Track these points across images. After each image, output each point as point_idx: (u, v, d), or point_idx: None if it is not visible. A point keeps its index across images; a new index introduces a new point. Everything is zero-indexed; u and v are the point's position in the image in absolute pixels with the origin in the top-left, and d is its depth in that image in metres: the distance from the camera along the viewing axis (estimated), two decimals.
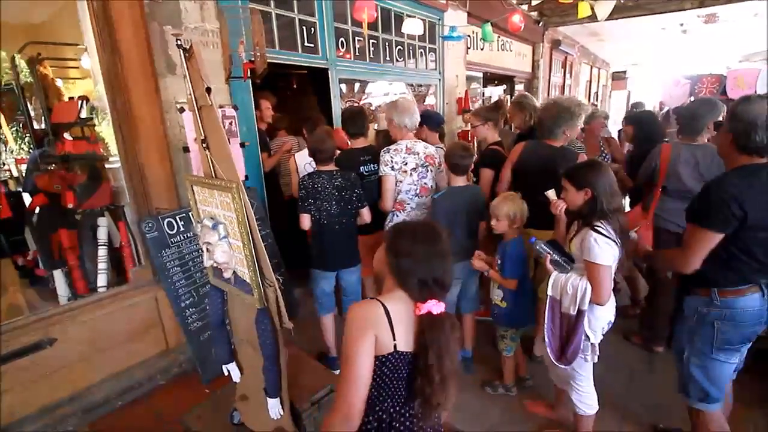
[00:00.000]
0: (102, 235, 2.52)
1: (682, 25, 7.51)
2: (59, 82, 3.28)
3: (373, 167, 2.59)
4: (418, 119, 2.49)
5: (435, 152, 2.52)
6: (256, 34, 2.24)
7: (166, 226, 2.41)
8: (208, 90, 1.44)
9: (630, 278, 3.16)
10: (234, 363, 1.97)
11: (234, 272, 1.71)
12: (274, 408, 1.73)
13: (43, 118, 3.22)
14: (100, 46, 2.19)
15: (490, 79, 7.04)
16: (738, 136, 1.39)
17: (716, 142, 1.57)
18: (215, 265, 1.71)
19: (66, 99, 3.02)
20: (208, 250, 1.64)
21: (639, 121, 3.01)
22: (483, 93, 6.84)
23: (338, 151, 2.46)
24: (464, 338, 2.54)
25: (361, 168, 2.56)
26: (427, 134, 3.05)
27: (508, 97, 7.24)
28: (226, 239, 1.64)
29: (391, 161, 2.38)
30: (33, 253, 2.69)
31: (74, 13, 2.25)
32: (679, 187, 2.37)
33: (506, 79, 7.17)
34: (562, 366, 1.75)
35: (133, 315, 2.38)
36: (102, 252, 2.50)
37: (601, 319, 1.69)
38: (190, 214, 2.42)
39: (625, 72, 14.23)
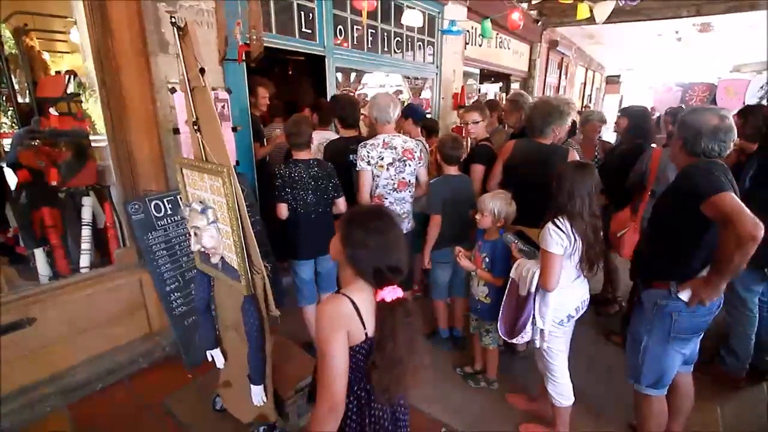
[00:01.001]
0: (86, 214, 2.47)
1: (677, 32, 7.59)
2: (46, 56, 3.17)
3: None
4: (396, 113, 2.45)
5: (415, 146, 2.47)
6: (253, 17, 2.20)
7: (153, 208, 2.36)
8: (202, 71, 1.41)
9: (610, 278, 3.22)
10: (218, 349, 1.96)
11: (222, 258, 1.69)
12: (258, 395, 1.73)
13: (28, 92, 3.12)
14: (90, 20, 2.12)
15: (486, 76, 7.05)
16: (686, 142, 1.56)
17: (671, 148, 1.70)
18: (203, 249, 1.69)
19: (53, 73, 2.93)
20: (195, 234, 1.62)
21: (633, 114, 3.02)
22: (479, 90, 6.85)
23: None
24: (456, 318, 2.73)
25: (350, 156, 2.56)
26: (410, 128, 3.04)
27: (504, 95, 7.26)
28: (215, 224, 1.62)
29: (368, 156, 2.34)
30: (14, 230, 2.62)
31: None
32: None
33: (503, 77, 7.18)
34: (512, 342, 1.90)
35: (117, 297, 2.34)
36: (86, 232, 2.45)
37: (552, 309, 1.77)
38: (178, 197, 2.38)
39: (619, 76, 14.39)
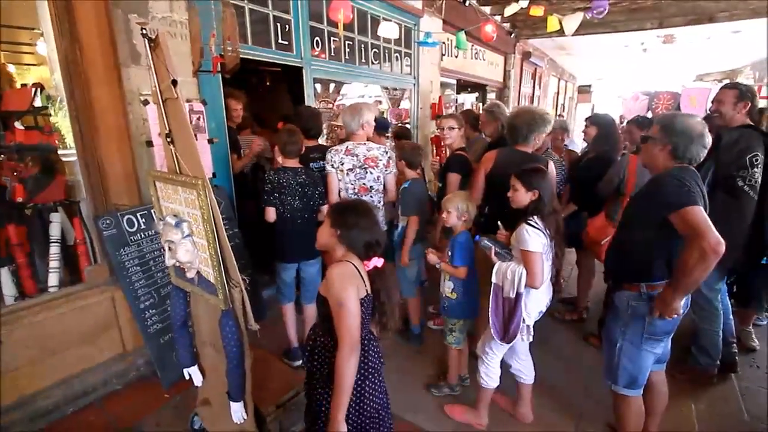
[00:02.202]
0: (54, 231, 2.37)
1: (642, 43, 7.96)
2: (11, 68, 3.07)
3: (322, 164, 2.74)
4: (359, 122, 2.53)
5: (381, 155, 2.57)
6: (228, 28, 2.19)
7: (125, 223, 2.30)
8: (174, 82, 1.39)
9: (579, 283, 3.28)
10: (196, 366, 1.90)
11: (198, 272, 1.65)
12: (238, 412, 1.68)
13: None
14: (58, 32, 2.07)
15: (463, 86, 7.20)
16: (676, 147, 1.57)
17: (644, 151, 1.71)
18: (178, 264, 1.64)
19: (18, 86, 2.83)
20: (170, 248, 1.58)
21: (602, 123, 3.11)
22: (456, 99, 6.98)
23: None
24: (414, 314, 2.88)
25: (311, 164, 2.74)
26: (374, 137, 3.07)
27: (480, 105, 7.42)
28: (190, 237, 1.58)
29: (332, 160, 2.52)
30: None
31: None
32: None
33: (479, 87, 7.35)
34: (506, 344, 1.95)
35: (88, 316, 2.25)
36: (54, 249, 2.35)
37: (536, 302, 1.90)
38: (152, 211, 2.32)
39: (590, 86, 14.94)
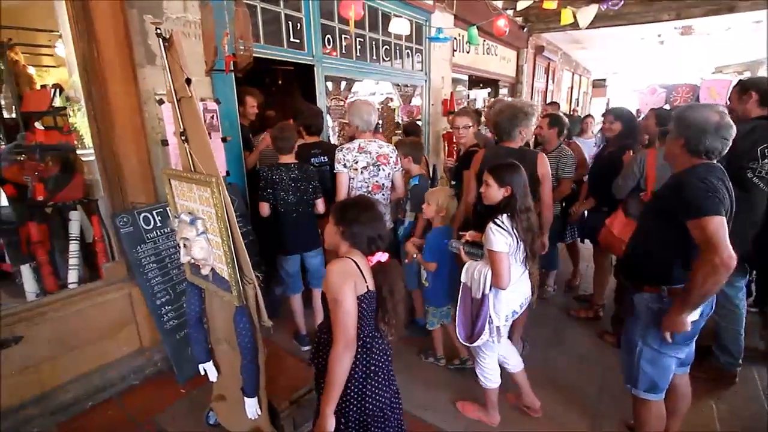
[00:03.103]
0: (74, 229, 2.43)
1: (659, 35, 7.77)
2: (31, 70, 3.14)
3: (323, 159, 2.87)
4: (372, 121, 2.57)
5: (391, 152, 2.58)
6: (241, 27, 2.20)
7: (142, 221, 2.34)
8: (188, 81, 1.41)
9: (596, 282, 3.21)
10: (211, 362, 1.93)
11: (212, 269, 1.67)
12: (252, 408, 1.70)
13: (13, 107, 3.08)
14: (76, 33, 2.11)
15: (475, 82, 7.12)
16: (689, 141, 1.48)
17: (665, 147, 1.63)
18: (192, 261, 1.67)
19: (38, 87, 2.90)
20: (185, 246, 1.60)
21: (623, 116, 3.04)
22: (468, 95, 6.92)
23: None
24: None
25: (312, 159, 2.81)
26: (377, 135, 3.06)
27: (492, 100, 7.34)
28: (204, 235, 1.60)
29: (344, 159, 2.48)
30: (0, 246, 2.57)
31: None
32: None
33: (491, 83, 7.27)
34: (470, 345, 1.93)
35: (106, 312, 2.30)
36: (74, 247, 2.41)
37: (504, 303, 1.85)
38: (167, 209, 2.36)
39: (604, 80, 14.66)
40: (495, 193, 1.82)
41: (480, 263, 1.86)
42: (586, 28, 4.14)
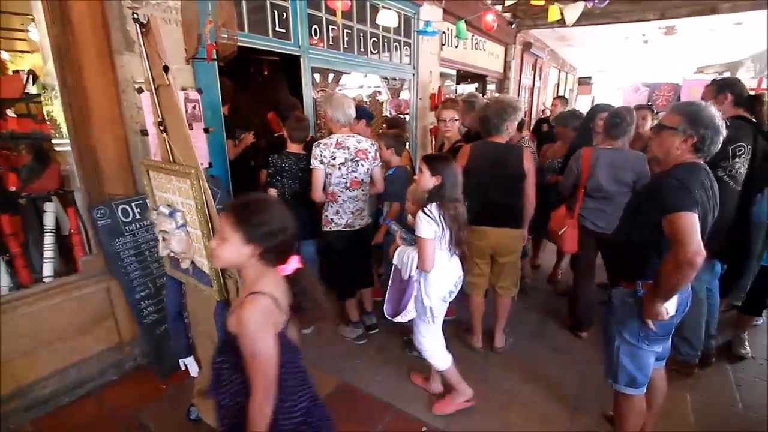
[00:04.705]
0: (49, 221, 2.35)
1: (644, 35, 7.88)
2: (4, 55, 3.02)
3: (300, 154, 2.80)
4: (353, 114, 2.52)
5: (369, 147, 2.54)
6: (224, 15, 2.14)
7: (120, 213, 2.28)
8: (166, 69, 1.37)
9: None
10: (192, 357, 1.91)
11: (192, 262, 1.64)
12: None
13: None
14: (50, 16, 2.03)
15: (463, 77, 7.13)
16: (703, 140, 1.46)
17: (657, 142, 1.60)
18: (172, 254, 1.63)
19: (10, 73, 2.78)
20: (164, 238, 1.57)
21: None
22: (456, 90, 6.92)
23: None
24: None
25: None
26: (361, 129, 3.03)
27: (481, 95, 7.36)
28: (184, 227, 1.57)
29: (320, 155, 2.41)
30: None
31: None
32: (596, 188, 2.54)
33: (479, 78, 7.28)
34: (395, 320, 2.05)
35: (83, 306, 2.24)
36: (49, 239, 2.33)
37: (436, 286, 1.97)
38: (146, 200, 2.30)
39: (590, 78, 14.83)
40: (427, 180, 1.92)
41: (410, 248, 2.00)
42: (573, 25, 4.17)
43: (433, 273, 1.94)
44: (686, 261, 1.35)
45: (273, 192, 2.56)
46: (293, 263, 1.16)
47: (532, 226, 2.72)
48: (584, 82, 14.78)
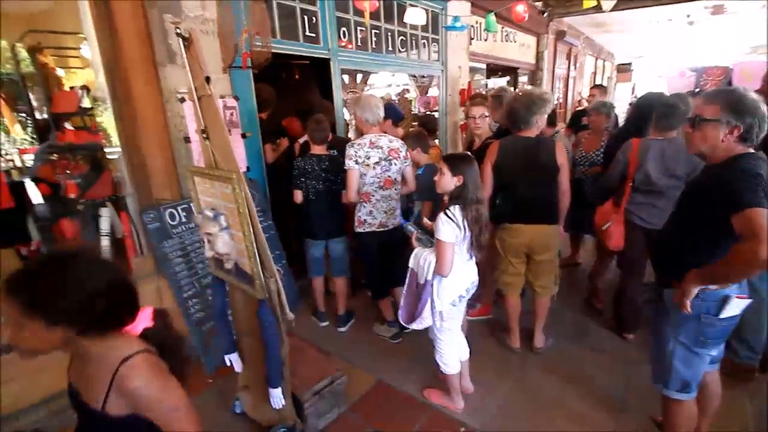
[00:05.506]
0: (104, 225, 2.53)
1: (689, 16, 7.40)
2: (60, 72, 3.26)
3: (332, 152, 2.82)
4: (381, 114, 2.54)
5: (401, 146, 2.55)
6: (257, 25, 2.22)
7: (167, 216, 2.41)
8: (207, 79, 1.43)
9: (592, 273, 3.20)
10: (236, 353, 1.98)
11: (235, 263, 1.71)
12: (276, 398, 1.75)
13: (44, 108, 3.21)
14: (100, 34, 2.18)
15: (493, 70, 6.97)
16: (750, 129, 1.36)
17: (698, 137, 1.47)
18: (216, 256, 1.71)
19: (67, 88, 3.01)
20: (209, 241, 1.64)
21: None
22: (486, 84, 6.78)
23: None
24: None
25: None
26: (388, 128, 3.04)
27: (512, 89, 7.18)
28: (227, 230, 1.64)
29: (355, 155, 2.44)
30: (36, 243, 2.69)
31: (74, 1, 2.23)
32: (645, 181, 2.40)
33: (510, 71, 7.10)
34: (410, 326, 2.02)
35: None
36: (105, 242, 2.51)
37: (448, 289, 1.90)
38: (191, 204, 2.42)
39: (630, 64, 14.07)
40: (448, 181, 1.85)
41: (428, 251, 1.96)
42: (610, 10, 3.99)
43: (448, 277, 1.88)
44: (758, 260, 1.24)
45: (298, 193, 2.66)
46: (143, 320, 0.96)
47: (569, 222, 2.63)
48: (623, 69, 14.05)
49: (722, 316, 1.45)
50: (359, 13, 3.31)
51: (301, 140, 3.17)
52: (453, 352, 2.04)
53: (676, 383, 1.58)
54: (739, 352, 2.25)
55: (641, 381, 2.17)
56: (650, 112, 2.81)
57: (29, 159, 3.48)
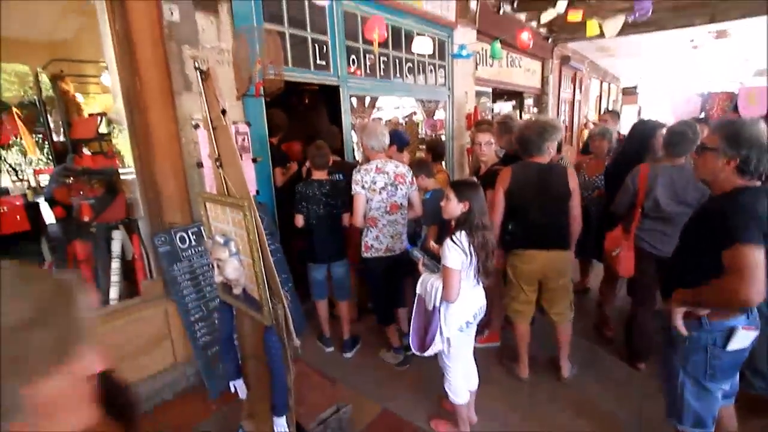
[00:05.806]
0: (116, 247, 2.57)
1: (692, 40, 7.50)
2: (80, 98, 3.39)
3: (338, 177, 2.96)
4: (387, 141, 2.60)
5: (407, 171, 2.59)
6: (270, 54, 2.30)
7: (178, 240, 2.44)
8: (224, 112, 1.48)
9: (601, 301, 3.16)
10: (241, 379, 1.97)
11: (243, 289, 1.72)
12: (281, 427, 1.72)
13: (62, 131, 3.32)
14: (120, 64, 2.27)
15: (499, 94, 7.08)
16: (747, 160, 1.37)
17: (700, 164, 1.50)
18: (225, 281, 1.72)
19: (86, 114, 3.11)
20: (218, 266, 1.66)
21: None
22: (492, 108, 6.87)
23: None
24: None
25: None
26: (394, 154, 3.07)
27: (517, 112, 7.26)
28: (237, 256, 1.66)
29: (362, 180, 2.48)
30: (48, 264, 2.74)
31: (96, 31, 2.33)
32: (654, 208, 2.39)
33: (516, 95, 7.20)
34: (424, 354, 1.96)
35: (143, 328, 2.39)
36: (115, 264, 2.54)
37: (455, 316, 1.89)
38: (201, 228, 2.45)
39: (635, 87, 14.19)
40: (454, 207, 1.87)
41: (434, 277, 1.93)
42: (614, 36, 4.06)
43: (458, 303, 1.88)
44: (743, 300, 1.25)
45: (300, 218, 2.69)
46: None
47: (578, 247, 2.62)
48: (629, 92, 14.16)
49: (729, 348, 1.42)
50: (368, 42, 3.41)
51: (308, 164, 3.22)
52: (462, 382, 2.02)
53: (689, 418, 1.54)
54: (754, 384, 2.18)
55: (654, 414, 2.10)
56: (645, 138, 2.85)
57: (44, 179, 3.58)
